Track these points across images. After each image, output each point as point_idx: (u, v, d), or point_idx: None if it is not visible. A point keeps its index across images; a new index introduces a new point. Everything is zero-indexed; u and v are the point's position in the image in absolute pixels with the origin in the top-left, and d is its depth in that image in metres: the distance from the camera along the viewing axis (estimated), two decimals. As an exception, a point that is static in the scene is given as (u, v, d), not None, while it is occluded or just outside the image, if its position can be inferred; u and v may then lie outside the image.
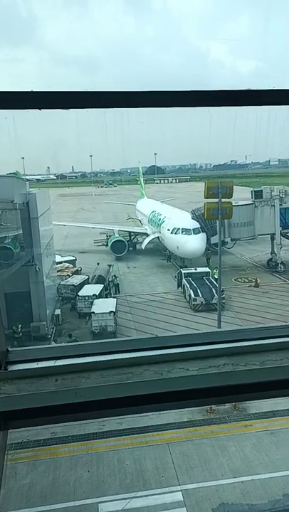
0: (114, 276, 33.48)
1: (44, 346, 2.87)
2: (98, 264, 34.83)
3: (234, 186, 25.55)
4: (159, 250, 41.80)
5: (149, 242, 40.88)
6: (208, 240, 35.59)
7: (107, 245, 42.81)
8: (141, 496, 12.48)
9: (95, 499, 12.38)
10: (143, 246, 40.47)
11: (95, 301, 26.37)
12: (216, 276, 28.40)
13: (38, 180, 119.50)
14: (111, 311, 24.42)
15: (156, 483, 12.91)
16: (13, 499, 12.31)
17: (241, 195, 37.10)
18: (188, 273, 31.36)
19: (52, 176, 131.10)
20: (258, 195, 36.05)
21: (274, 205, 35.32)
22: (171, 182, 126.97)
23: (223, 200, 24.36)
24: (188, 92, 2.30)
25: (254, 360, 2.62)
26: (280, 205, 35.42)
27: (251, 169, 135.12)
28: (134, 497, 12.42)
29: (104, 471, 13.52)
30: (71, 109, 2.27)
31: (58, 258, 35.05)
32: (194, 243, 34.13)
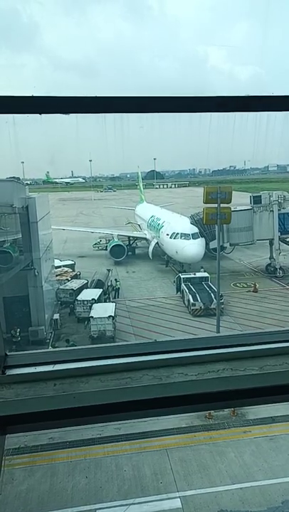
0: (116, 280, 33.46)
1: (42, 351, 2.84)
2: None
3: (233, 191, 25.64)
4: (158, 255, 41.78)
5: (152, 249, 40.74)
6: (207, 244, 35.65)
7: (106, 249, 42.76)
8: (139, 503, 12.39)
9: (92, 506, 12.29)
10: (150, 255, 40.18)
11: (94, 305, 26.33)
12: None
13: (66, 183, 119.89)
14: (110, 316, 24.37)
15: (154, 490, 12.82)
16: (10, 505, 12.21)
17: (240, 200, 37.21)
18: (187, 278, 31.36)
19: (80, 179, 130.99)
20: (256, 200, 36.17)
21: (273, 211, 35.47)
22: (171, 187, 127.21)
23: (222, 205, 24.44)
24: (186, 97, 2.32)
25: (253, 365, 2.61)
26: (279, 210, 35.58)
27: (250, 174, 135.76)
28: (133, 503, 12.32)
29: (102, 477, 13.42)
30: (71, 114, 2.28)
31: (57, 262, 35.03)
32: (193, 248, 34.14)
